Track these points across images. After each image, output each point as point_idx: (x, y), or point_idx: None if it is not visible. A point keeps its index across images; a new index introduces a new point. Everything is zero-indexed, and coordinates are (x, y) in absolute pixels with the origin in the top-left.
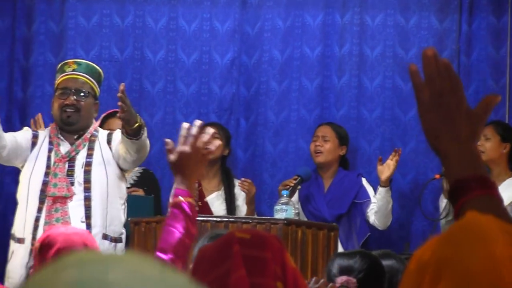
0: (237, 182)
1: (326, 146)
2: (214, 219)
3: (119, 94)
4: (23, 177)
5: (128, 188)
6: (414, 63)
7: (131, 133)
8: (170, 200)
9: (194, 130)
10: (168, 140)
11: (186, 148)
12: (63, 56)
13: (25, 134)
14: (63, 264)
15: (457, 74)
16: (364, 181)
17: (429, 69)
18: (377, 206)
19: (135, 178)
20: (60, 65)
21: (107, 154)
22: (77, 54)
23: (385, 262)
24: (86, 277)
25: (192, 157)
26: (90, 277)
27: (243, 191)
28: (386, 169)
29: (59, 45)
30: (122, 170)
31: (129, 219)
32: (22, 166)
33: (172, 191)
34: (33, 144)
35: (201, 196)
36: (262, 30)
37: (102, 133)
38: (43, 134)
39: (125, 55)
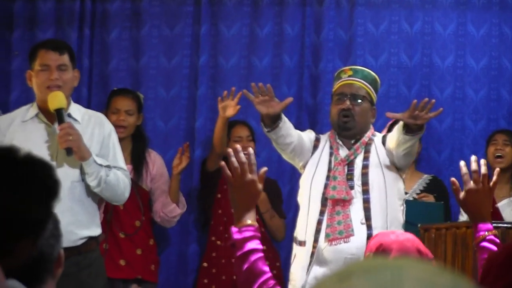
0: None
1: None
2: (505, 225)
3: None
4: (304, 181)
5: (417, 194)
6: None
7: (411, 129)
8: (476, 236)
9: (477, 167)
10: (454, 180)
11: (473, 185)
12: (351, 63)
13: (309, 135)
14: (348, 272)
15: None
16: None
17: None
18: None
19: (424, 185)
20: (337, 72)
21: (383, 156)
22: (365, 60)
23: None
24: (379, 286)
25: (480, 193)
26: (383, 286)
27: None
28: None
29: (348, 52)
30: (399, 170)
31: (419, 225)
32: (302, 167)
33: (474, 229)
34: (315, 147)
35: (493, 202)
36: None
37: (378, 137)
38: (324, 138)
39: (413, 61)
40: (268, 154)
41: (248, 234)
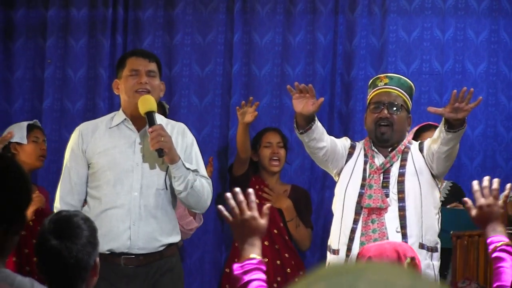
0: None
1: None
2: None
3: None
4: (338, 189)
5: (441, 201)
6: None
7: (452, 124)
8: (490, 247)
9: (488, 184)
10: (466, 200)
11: (483, 201)
12: (383, 70)
13: (344, 142)
14: (315, 277)
15: None
16: None
17: None
18: None
19: (446, 192)
20: (372, 80)
21: (419, 163)
22: (397, 67)
23: None
24: None
25: (491, 207)
26: None
27: None
28: None
29: (380, 59)
30: (435, 178)
31: (451, 232)
32: (337, 174)
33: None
34: (349, 154)
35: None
36: None
37: (415, 144)
38: (359, 146)
39: (445, 68)
40: (301, 162)
41: (248, 267)
